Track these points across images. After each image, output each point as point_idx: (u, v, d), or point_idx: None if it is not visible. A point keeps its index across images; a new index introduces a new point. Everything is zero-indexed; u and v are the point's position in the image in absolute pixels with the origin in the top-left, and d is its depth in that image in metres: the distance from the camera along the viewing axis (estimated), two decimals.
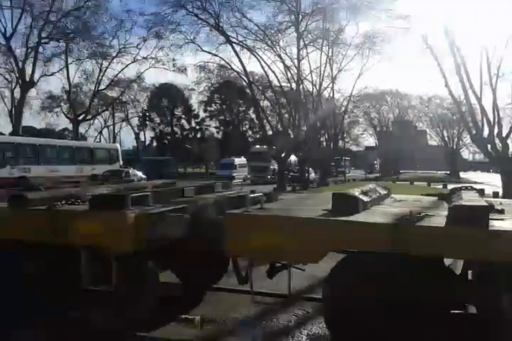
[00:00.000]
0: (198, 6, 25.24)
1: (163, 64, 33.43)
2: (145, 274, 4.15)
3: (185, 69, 34.43)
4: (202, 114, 58.07)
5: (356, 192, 3.87)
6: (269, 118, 32.14)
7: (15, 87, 29.57)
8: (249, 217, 3.66)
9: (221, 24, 25.55)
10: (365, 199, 3.84)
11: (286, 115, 29.10)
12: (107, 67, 34.01)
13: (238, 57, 25.75)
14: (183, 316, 4.39)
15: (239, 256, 3.85)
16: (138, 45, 32.50)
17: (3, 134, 26.89)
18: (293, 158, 31.25)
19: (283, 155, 26.38)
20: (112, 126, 50.98)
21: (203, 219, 4.10)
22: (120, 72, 34.89)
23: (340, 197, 3.66)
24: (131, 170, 22.87)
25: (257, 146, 37.91)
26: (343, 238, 3.37)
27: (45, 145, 22.93)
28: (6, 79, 30.38)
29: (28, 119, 43.59)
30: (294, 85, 26.98)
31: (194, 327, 4.22)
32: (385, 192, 4.80)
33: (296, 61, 26.57)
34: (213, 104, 58.15)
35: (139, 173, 24.15)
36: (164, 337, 3.98)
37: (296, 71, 26.58)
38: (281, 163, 26.80)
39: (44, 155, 22.33)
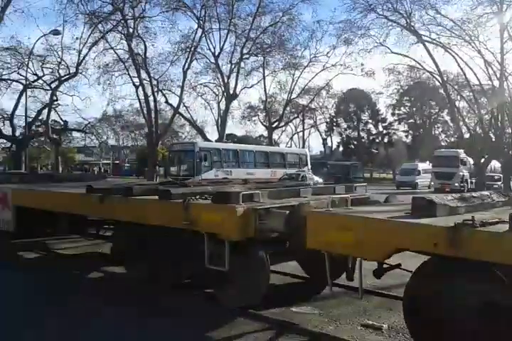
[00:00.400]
0: (389, 7, 24.90)
1: (351, 69, 33.92)
2: (253, 260, 4.65)
3: (373, 73, 34.24)
4: (389, 118, 56.43)
5: (445, 197, 3.94)
6: (466, 119, 29.45)
7: (221, 100, 33.75)
8: (325, 215, 4.01)
9: (412, 23, 24.69)
10: (452, 204, 3.83)
11: (487, 116, 26.26)
12: (298, 77, 36.17)
13: (431, 56, 24.46)
14: (370, 322, 4.48)
15: (316, 250, 4.08)
16: (327, 53, 33.68)
17: (211, 141, 30.86)
18: (494, 164, 28.00)
19: (482, 161, 23.89)
20: (301, 132, 53.83)
21: (300, 216, 4.34)
22: (310, 80, 36.72)
23: (419, 201, 3.80)
24: (307, 174, 23.53)
25: (442, 150, 34.85)
26: (402, 238, 3.51)
27: (244, 151, 25.49)
28: (214, 93, 34.96)
29: (231, 127, 49.21)
30: (496, 83, 24.21)
31: (380, 334, 4.27)
32: (503, 200, 4.62)
33: (499, 55, 23.81)
34: (402, 107, 55.88)
35: (316, 177, 24.73)
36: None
37: (499, 67, 23.81)
38: (480, 170, 24.31)
39: (243, 159, 24.85)
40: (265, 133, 48.47)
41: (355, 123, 57.67)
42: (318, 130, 56.47)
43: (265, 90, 37.42)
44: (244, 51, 30.55)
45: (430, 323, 3.48)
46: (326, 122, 56.29)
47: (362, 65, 32.80)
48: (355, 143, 57.59)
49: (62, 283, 5.88)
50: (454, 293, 3.36)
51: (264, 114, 42.15)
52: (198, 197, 5.06)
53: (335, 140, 60.45)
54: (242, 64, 31.82)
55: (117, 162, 60.05)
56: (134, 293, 5.39)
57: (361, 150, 53.80)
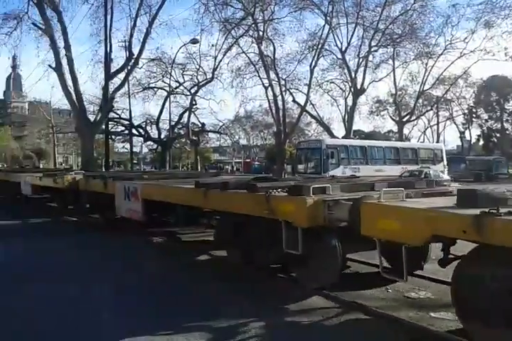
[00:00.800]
0: None
1: (493, 55, 30.81)
2: (325, 246, 5.19)
3: None
4: None
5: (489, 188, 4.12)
6: None
7: (348, 95, 33.39)
8: (374, 205, 4.43)
9: None
10: (500, 195, 3.95)
11: None
12: (432, 66, 34.04)
13: None
14: None
15: (369, 236, 4.43)
16: (465, 39, 31.11)
17: (338, 138, 30.72)
18: None
19: None
20: (435, 126, 50.35)
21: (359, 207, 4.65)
22: (446, 69, 34.27)
23: (463, 192, 4.14)
24: (432, 171, 21.80)
25: None
26: (436, 226, 3.83)
27: (372, 147, 24.89)
28: (341, 89, 34.69)
29: (358, 123, 48.20)
30: None
31: None
32: None
33: None
34: None
35: (444, 175, 22.89)
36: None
37: None
38: None
39: (372, 155, 24.27)
40: (394, 128, 46.56)
41: (498, 113, 52.09)
42: (455, 123, 52.34)
43: (395, 83, 36.02)
44: (373, 43, 29.80)
45: (477, 309, 3.72)
46: (464, 114, 51.88)
47: (505, 49, 29.63)
48: (498, 135, 52.06)
49: (181, 261, 7.19)
50: (496, 278, 3.59)
51: (393, 107, 40.51)
52: (279, 190, 5.73)
53: (474, 133, 55.53)
54: (370, 57, 31.10)
55: (248, 160, 62.98)
56: (232, 271, 6.33)
57: (505, 144, 48.44)
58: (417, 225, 3.99)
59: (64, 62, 21.52)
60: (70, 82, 21.78)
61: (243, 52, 28.10)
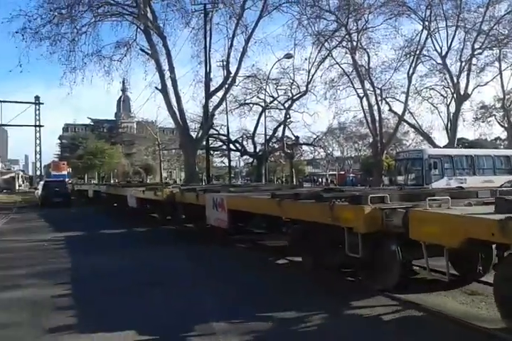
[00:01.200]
0: None
1: None
2: (385, 251, 5.64)
3: None
4: None
5: None
6: None
7: (450, 102, 31.52)
8: (420, 213, 4.97)
9: None
10: None
11: None
12: None
13: None
14: None
15: (416, 239, 4.89)
16: None
17: (439, 147, 29.03)
18: None
19: None
20: None
21: None
22: None
23: (499, 200, 4.60)
24: None
25: None
26: (469, 229, 4.26)
27: (480, 156, 23.10)
28: (442, 96, 32.88)
29: (462, 131, 45.05)
30: None
31: None
32: None
33: None
34: None
35: None
36: None
37: None
38: None
39: (479, 165, 22.52)
40: (503, 135, 42.81)
41: None
42: None
43: (502, 86, 33.24)
44: (476, 46, 27.97)
45: None
46: None
47: None
48: None
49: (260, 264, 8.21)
50: None
51: (501, 113, 37.38)
52: (342, 199, 6.31)
53: None
54: (474, 60, 29.19)
55: (342, 172, 61.97)
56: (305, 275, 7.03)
57: None
58: (452, 229, 4.47)
59: (168, 83, 23.24)
60: (174, 102, 23.41)
61: (336, 63, 28.05)
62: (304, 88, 30.80)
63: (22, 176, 73.35)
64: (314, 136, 39.39)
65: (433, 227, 4.69)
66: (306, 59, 28.40)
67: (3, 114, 43.20)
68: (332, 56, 27.78)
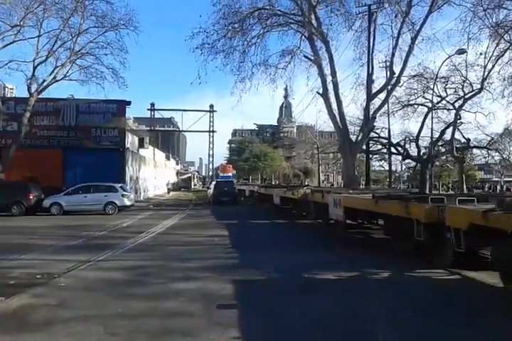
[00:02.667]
0: None
1: None
2: (441, 238, 7.78)
3: None
4: None
5: None
6: None
7: None
8: (451, 207, 7.52)
9: None
10: None
11: None
12: None
13: None
14: None
15: (452, 226, 7.29)
16: None
17: None
18: None
19: None
20: None
21: None
22: None
23: (498, 201, 6.94)
24: None
25: None
26: (470, 217, 6.85)
27: None
28: None
29: None
30: None
31: None
32: None
33: None
34: None
35: None
36: None
37: None
38: None
39: None
40: None
41: None
42: None
43: None
44: None
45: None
46: None
47: None
48: None
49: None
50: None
51: None
52: (413, 199, 9.22)
53: None
54: None
55: None
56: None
57: None
58: (465, 217, 6.98)
59: (330, 87, 23.47)
60: (334, 106, 23.57)
61: None
62: (478, 85, 27.95)
63: (197, 176, 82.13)
64: (488, 139, 35.41)
65: (456, 217, 7.23)
66: (481, 54, 25.72)
67: (183, 121, 48.88)
68: None
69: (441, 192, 28.14)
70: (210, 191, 32.70)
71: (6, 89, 48.32)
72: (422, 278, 7.43)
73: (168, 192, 47.43)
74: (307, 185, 27.52)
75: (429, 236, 8.00)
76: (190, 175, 79.31)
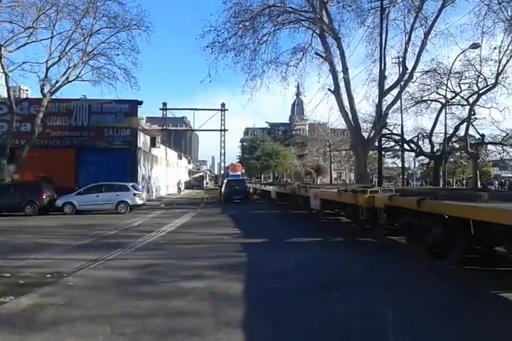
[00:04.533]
0: None
1: None
2: (375, 217, 10.90)
3: None
4: None
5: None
6: None
7: None
8: (377, 195, 11.07)
9: None
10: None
11: None
12: None
13: None
14: None
15: (378, 207, 10.68)
16: None
17: None
18: None
19: None
20: None
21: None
22: None
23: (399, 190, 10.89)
24: None
25: None
26: (383, 201, 10.34)
27: None
28: None
29: None
30: None
31: None
32: None
33: None
34: None
35: None
36: None
37: None
38: None
39: None
40: None
41: None
42: None
43: None
44: None
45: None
46: None
47: None
48: None
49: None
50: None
51: None
52: (359, 192, 11.86)
53: None
54: None
55: None
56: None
57: None
58: (382, 201, 10.45)
59: (341, 84, 23.28)
60: (346, 103, 23.36)
61: None
62: (493, 80, 27.49)
63: (209, 175, 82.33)
64: (503, 134, 34.81)
65: (379, 201, 10.67)
66: (495, 48, 25.29)
67: (195, 120, 48.87)
68: None
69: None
70: (222, 189, 32.69)
71: (21, 90, 48.97)
72: (361, 241, 11.55)
73: (179, 192, 47.38)
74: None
75: (368, 215, 11.20)
76: (202, 173, 79.54)
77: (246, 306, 5.63)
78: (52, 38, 23.80)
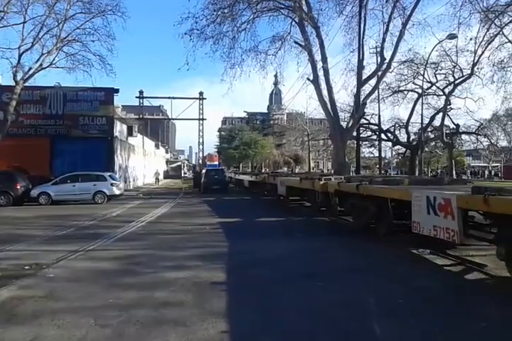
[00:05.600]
0: None
1: None
2: (328, 200, 12.94)
3: None
4: None
5: None
6: None
7: None
8: (330, 181, 13.20)
9: None
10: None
11: None
12: None
13: None
14: None
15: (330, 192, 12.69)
16: None
17: None
18: None
19: None
20: None
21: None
22: None
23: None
24: None
25: None
26: (334, 186, 12.34)
27: None
28: None
29: None
30: None
31: None
32: None
33: None
34: None
35: None
36: None
37: None
38: None
39: None
40: None
41: None
42: None
43: None
44: None
45: None
46: None
47: None
48: None
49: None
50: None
51: None
52: (316, 179, 14.04)
53: None
54: None
55: (509, 164, 55.08)
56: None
57: None
58: (333, 186, 12.52)
59: (320, 73, 23.25)
60: (325, 92, 23.37)
61: (509, 41, 24.71)
62: (468, 71, 27.94)
63: (187, 165, 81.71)
64: (477, 124, 35.60)
65: (330, 186, 12.58)
66: (471, 39, 25.67)
67: (173, 109, 48.18)
68: (503, 34, 24.58)
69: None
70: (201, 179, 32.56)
71: None
72: (316, 220, 13.76)
73: (156, 182, 46.50)
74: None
75: (323, 199, 13.20)
76: (180, 163, 78.91)
77: (230, 295, 5.64)
78: (24, 23, 22.92)
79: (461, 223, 6.64)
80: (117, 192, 22.09)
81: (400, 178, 11.63)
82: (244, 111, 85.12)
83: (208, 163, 49.83)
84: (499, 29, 23.91)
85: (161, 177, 52.18)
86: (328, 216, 13.58)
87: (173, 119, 59.10)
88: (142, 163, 44.20)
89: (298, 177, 17.01)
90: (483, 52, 26.20)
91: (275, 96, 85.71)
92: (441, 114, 31.30)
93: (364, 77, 23.52)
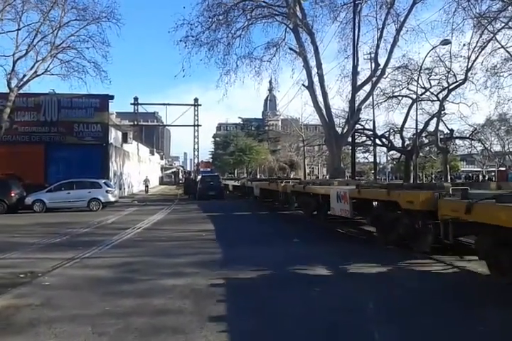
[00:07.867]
0: None
1: None
2: (289, 199, 18.08)
3: None
4: None
5: None
6: None
7: None
8: (289, 184, 18.32)
9: None
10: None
11: None
12: None
13: None
14: None
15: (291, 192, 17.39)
16: None
17: None
18: None
19: None
20: None
21: None
22: None
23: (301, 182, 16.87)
24: None
25: None
26: (294, 188, 16.95)
27: None
28: None
29: None
30: None
31: None
32: None
33: None
34: None
35: None
36: None
37: None
38: None
39: None
40: None
41: None
42: None
43: None
44: None
45: None
46: None
47: None
48: None
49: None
50: None
51: None
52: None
53: None
54: None
55: (503, 169, 55.50)
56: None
57: None
58: (293, 188, 17.08)
59: (315, 79, 23.37)
60: (320, 98, 23.49)
61: (502, 47, 24.98)
62: (462, 76, 28.18)
63: (182, 171, 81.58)
64: (471, 129, 35.83)
65: (291, 188, 17.21)
66: (464, 45, 25.93)
67: (168, 115, 48.12)
68: (496, 39, 24.84)
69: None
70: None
71: None
72: (278, 213, 18.14)
73: (146, 191, 40.65)
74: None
75: (284, 197, 18.08)
76: (175, 169, 78.74)
77: (229, 302, 5.59)
78: (19, 30, 22.96)
79: (351, 206, 10.93)
80: (112, 199, 21.98)
81: (331, 180, 16.88)
82: (239, 117, 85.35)
83: (202, 169, 50.03)
84: (492, 35, 24.16)
85: (154, 184, 51.51)
86: (289, 211, 18.07)
87: (168, 126, 59.06)
88: (137, 169, 44.02)
89: (267, 181, 23.16)
90: (476, 58, 26.46)
91: (270, 103, 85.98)
92: (435, 119, 31.51)
93: (359, 82, 23.68)
